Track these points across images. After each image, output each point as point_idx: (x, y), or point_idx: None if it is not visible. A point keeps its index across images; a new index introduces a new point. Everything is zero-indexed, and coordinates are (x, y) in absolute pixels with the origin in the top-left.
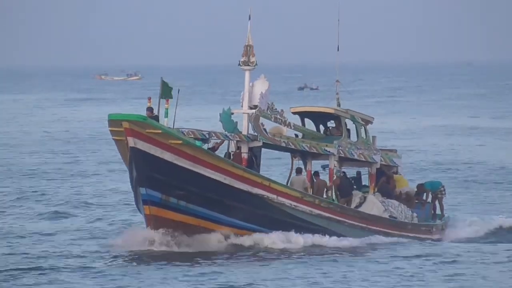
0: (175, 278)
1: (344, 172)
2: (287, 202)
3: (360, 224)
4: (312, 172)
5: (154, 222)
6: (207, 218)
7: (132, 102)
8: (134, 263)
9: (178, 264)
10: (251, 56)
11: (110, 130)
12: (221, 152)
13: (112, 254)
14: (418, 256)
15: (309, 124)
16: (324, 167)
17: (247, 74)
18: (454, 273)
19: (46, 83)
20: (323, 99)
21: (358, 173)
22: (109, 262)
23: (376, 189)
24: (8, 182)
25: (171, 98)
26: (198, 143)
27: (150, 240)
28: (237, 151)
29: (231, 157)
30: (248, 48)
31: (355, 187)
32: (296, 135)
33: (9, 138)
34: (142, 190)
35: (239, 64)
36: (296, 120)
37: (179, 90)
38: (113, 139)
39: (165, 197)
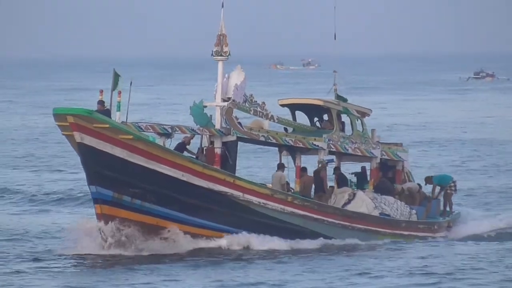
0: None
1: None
2: (254, 200)
3: (343, 223)
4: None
5: (106, 221)
6: (166, 217)
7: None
8: (86, 265)
9: (132, 267)
10: (224, 45)
11: (58, 125)
12: (194, 148)
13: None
14: (403, 257)
15: (303, 118)
16: (328, 162)
17: (220, 64)
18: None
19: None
20: None
21: (363, 168)
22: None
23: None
24: None
25: (123, 90)
26: (151, 138)
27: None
28: (210, 146)
29: (204, 152)
30: (221, 37)
31: (351, 182)
32: (286, 129)
33: None
34: (92, 188)
35: (212, 55)
36: (287, 113)
37: (131, 82)
38: (63, 134)
39: (117, 195)
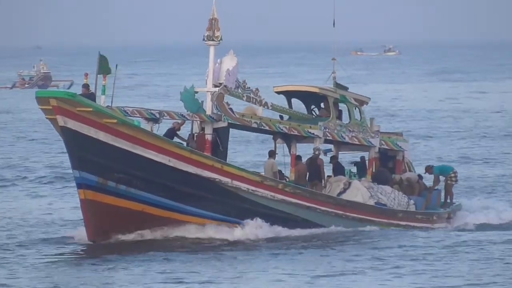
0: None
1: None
2: (243, 186)
3: (336, 211)
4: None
5: (90, 207)
6: (152, 204)
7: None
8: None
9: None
10: (216, 30)
11: (41, 109)
12: (184, 134)
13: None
14: (396, 245)
15: (299, 105)
16: (326, 151)
17: (211, 49)
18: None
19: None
20: None
21: (362, 158)
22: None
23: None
24: None
25: (109, 73)
26: (136, 122)
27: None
28: (201, 132)
29: (195, 138)
30: (213, 21)
31: (351, 172)
32: (282, 117)
33: None
34: (76, 173)
35: (203, 39)
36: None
37: (116, 66)
38: (47, 118)
39: (102, 180)
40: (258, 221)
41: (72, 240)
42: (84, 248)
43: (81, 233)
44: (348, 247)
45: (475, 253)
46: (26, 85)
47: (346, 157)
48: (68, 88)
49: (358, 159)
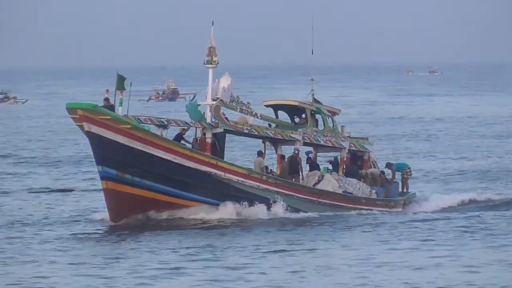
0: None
1: (307, 153)
2: (234, 178)
3: (309, 198)
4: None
5: (111, 194)
6: (162, 192)
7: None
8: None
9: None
10: (213, 56)
11: (71, 118)
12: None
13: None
14: (356, 225)
15: (284, 116)
16: (307, 153)
17: (210, 71)
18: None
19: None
20: None
21: (335, 158)
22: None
23: (344, 171)
24: None
25: (125, 89)
26: (147, 128)
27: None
28: (203, 136)
29: (198, 141)
30: (211, 49)
31: (328, 168)
32: (270, 125)
33: None
34: (99, 168)
35: (204, 63)
36: (270, 112)
37: (131, 83)
38: (77, 125)
39: (120, 173)
40: (245, 203)
41: (97, 221)
42: (107, 228)
43: (104, 216)
44: (320, 226)
45: (419, 227)
46: (160, 98)
47: (325, 157)
48: (192, 100)
49: (333, 159)
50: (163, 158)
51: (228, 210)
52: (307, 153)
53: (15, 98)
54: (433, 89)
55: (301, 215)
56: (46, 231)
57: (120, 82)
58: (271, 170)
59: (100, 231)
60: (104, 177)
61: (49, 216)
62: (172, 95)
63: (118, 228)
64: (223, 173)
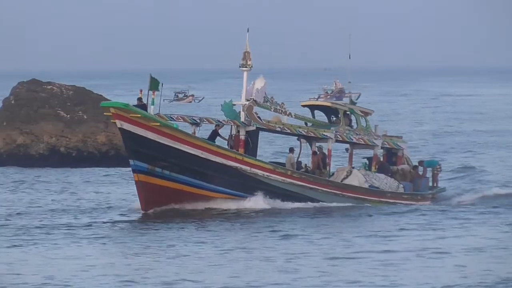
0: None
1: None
2: (259, 172)
3: (334, 191)
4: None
5: (142, 186)
6: (189, 184)
7: None
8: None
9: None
10: (248, 60)
11: (106, 115)
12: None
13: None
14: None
15: (322, 116)
16: (346, 149)
17: (245, 74)
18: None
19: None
20: None
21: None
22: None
23: (376, 167)
24: None
25: (158, 90)
26: (175, 125)
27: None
28: (237, 133)
29: (232, 138)
30: (246, 54)
31: (366, 165)
32: (306, 123)
33: None
34: (131, 162)
35: (239, 66)
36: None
37: (162, 84)
38: (112, 122)
39: (151, 167)
40: (272, 198)
41: (130, 210)
42: (139, 216)
43: (136, 205)
44: (345, 218)
45: (447, 220)
46: (328, 97)
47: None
48: (357, 99)
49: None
50: (190, 153)
51: (256, 202)
52: (346, 149)
53: (193, 96)
54: None
55: (325, 205)
56: (85, 216)
57: (153, 84)
58: (305, 165)
59: (132, 220)
60: (135, 170)
61: (101, 203)
62: (339, 93)
63: (148, 217)
64: (249, 168)
